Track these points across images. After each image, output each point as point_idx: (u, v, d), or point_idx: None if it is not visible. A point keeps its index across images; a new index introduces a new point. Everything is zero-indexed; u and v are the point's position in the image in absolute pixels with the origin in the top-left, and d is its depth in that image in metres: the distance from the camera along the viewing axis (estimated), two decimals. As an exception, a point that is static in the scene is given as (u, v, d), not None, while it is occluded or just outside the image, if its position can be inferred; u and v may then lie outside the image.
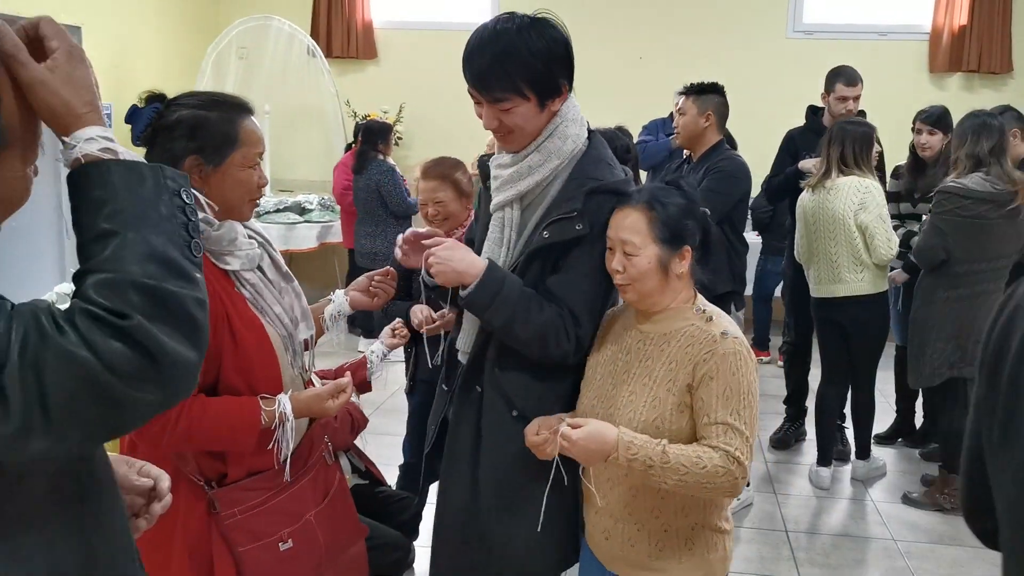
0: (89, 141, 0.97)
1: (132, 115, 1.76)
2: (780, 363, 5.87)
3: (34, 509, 0.97)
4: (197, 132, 1.73)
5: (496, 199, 1.92)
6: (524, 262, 1.87)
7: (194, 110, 1.75)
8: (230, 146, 1.75)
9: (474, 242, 2.05)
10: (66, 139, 0.98)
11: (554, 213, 1.84)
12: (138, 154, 1.08)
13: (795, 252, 4.14)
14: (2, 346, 0.84)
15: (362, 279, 2.21)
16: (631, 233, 1.77)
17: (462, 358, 2.01)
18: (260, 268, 1.85)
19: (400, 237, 2.00)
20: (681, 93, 3.79)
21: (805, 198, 3.98)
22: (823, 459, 4.13)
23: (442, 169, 2.95)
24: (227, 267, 1.77)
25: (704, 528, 1.84)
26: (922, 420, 4.67)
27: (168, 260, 0.94)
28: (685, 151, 4.82)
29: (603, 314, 1.97)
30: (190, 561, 1.75)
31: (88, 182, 0.96)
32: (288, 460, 1.83)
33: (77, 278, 0.93)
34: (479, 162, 2.08)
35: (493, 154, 2.03)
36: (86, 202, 0.96)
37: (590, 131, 1.93)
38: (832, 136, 3.88)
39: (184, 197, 1.00)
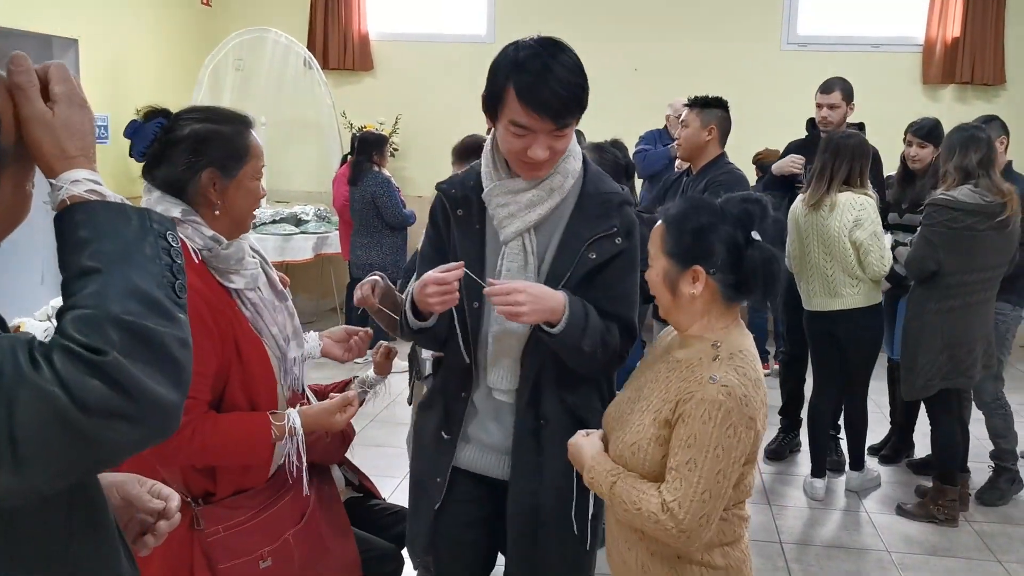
0: (76, 183, 0.98)
1: (134, 131, 1.76)
2: (770, 371, 5.89)
3: (24, 542, 0.97)
4: (212, 145, 1.74)
5: (512, 227, 1.84)
6: (573, 286, 1.83)
7: (205, 124, 1.76)
8: (242, 159, 1.78)
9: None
10: (53, 181, 0.99)
11: (586, 233, 1.82)
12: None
13: (786, 262, 4.14)
14: None
15: (340, 330, 2.23)
16: (651, 243, 1.76)
17: (504, 396, 1.93)
18: (257, 287, 1.86)
19: (433, 288, 1.78)
20: (685, 105, 3.80)
21: (799, 211, 3.97)
22: (817, 470, 4.14)
23: None
24: (232, 285, 1.78)
25: (687, 562, 1.70)
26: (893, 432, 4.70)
27: (151, 299, 0.94)
28: (678, 163, 4.86)
29: None
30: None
31: (74, 222, 0.96)
32: (306, 472, 1.86)
33: (59, 315, 0.93)
34: (440, 190, 1.95)
35: (453, 179, 1.97)
36: (71, 242, 0.96)
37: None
38: (833, 154, 3.82)
39: (170, 240, 1.00)
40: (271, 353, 1.83)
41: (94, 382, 0.86)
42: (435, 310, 1.82)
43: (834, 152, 3.83)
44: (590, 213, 1.84)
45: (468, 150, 3.26)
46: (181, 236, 1.67)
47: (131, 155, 1.77)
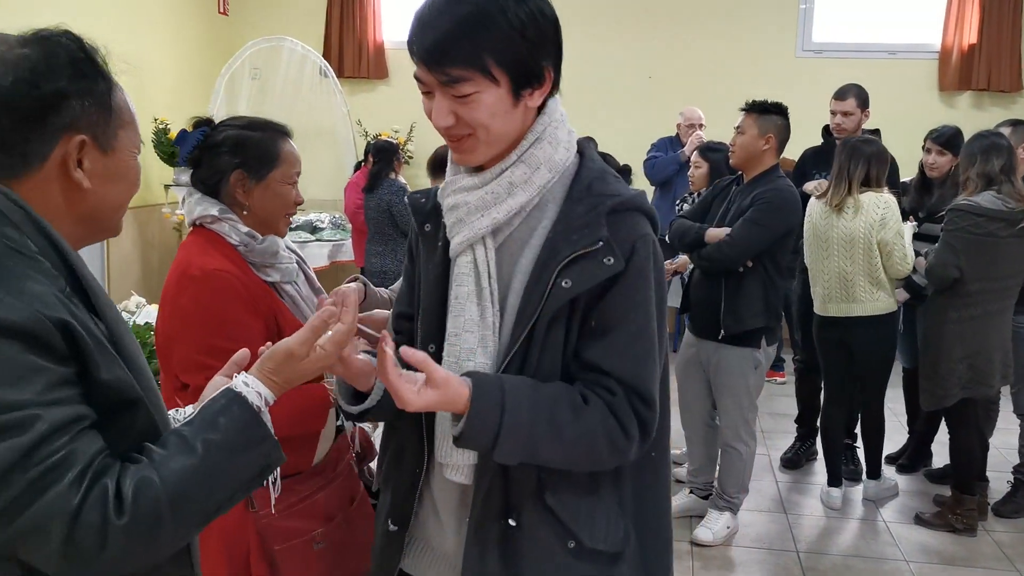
0: (253, 390, 1.16)
1: (181, 138, 1.92)
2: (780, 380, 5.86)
3: None
4: (242, 149, 1.89)
5: (460, 236, 1.36)
6: (544, 329, 1.32)
7: (240, 130, 1.91)
8: (271, 164, 1.90)
9: (410, 316, 1.49)
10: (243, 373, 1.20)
11: (565, 249, 1.30)
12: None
13: (806, 259, 4.09)
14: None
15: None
16: None
17: (457, 476, 1.40)
18: (294, 281, 1.97)
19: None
20: (742, 110, 3.65)
21: (816, 214, 3.92)
22: (833, 479, 4.11)
23: None
24: (268, 279, 1.90)
25: None
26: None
27: (207, 514, 1.08)
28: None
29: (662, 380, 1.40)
30: (227, 558, 1.80)
31: (225, 408, 1.12)
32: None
33: (146, 444, 1.07)
34: (409, 200, 1.52)
35: (430, 189, 1.51)
36: (210, 414, 1.11)
37: (579, 141, 1.43)
38: (848, 156, 3.81)
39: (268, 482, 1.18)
40: None
41: (96, 550, 0.97)
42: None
43: (850, 154, 3.81)
44: (573, 223, 1.33)
45: (441, 162, 2.85)
46: (219, 231, 1.86)
47: (179, 162, 1.93)
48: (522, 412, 1.27)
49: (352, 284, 2.30)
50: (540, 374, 1.33)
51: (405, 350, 1.23)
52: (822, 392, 4.47)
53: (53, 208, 1.10)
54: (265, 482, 1.15)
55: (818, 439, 4.57)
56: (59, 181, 1.10)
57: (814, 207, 3.96)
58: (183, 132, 1.97)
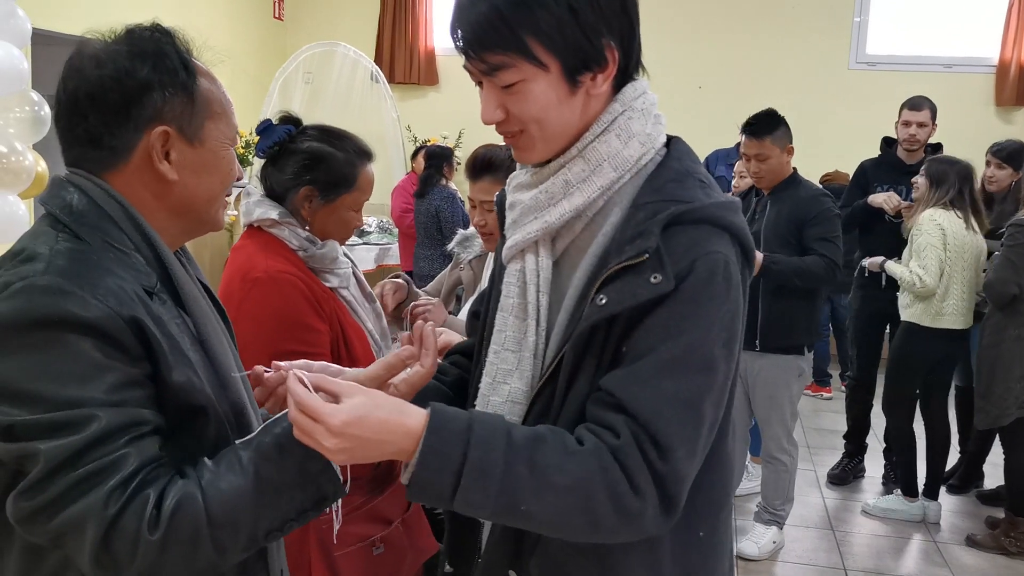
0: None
1: (265, 129, 1.84)
2: (827, 395, 5.78)
3: None
4: (319, 165, 1.81)
5: (512, 239, 1.18)
6: (574, 353, 1.09)
7: (323, 144, 1.83)
8: (345, 188, 1.83)
9: (480, 317, 1.33)
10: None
11: (611, 261, 1.08)
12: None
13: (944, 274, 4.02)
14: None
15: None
16: None
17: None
18: (349, 287, 1.94)
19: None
20: (752, 136, 3.49)
21: (952, 230, 3.80)
22: (930, 492, 4.07)
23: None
24: (328, 284, 1.86)
25: None
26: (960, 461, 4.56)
27: (251, 539, 1.03)
28: (735, 182, 4.73)
29: (710, 441, 1.09)
30: (289, 564, 1.78)
31: (286, 430, 1.03)
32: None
33: (199, 463, 1.03)
34: (497, 199, 1.34)
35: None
36: (273, 441, 1.04)
37: (670, 137, 1.21)
38: (971, 178, 3.86)
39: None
40: (372, 344, 1.91)
41: (126, 557, 0.96)
42: None
43: (971, 176, 3.87)
44: (627, 232, 1.09)
45: (480, 165, 2.28)
46: (278, 235, 1.80)
47: (257, 152, 1.86)
48: (494, 448, 0.99)
49: (397, 280, 2.32)
50: (564, 418, 1.09)
51: (292, 383, 1.01)
52: (873, 409, 4.41)
53: (145, 201, 1.10)
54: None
55: (866, 456, 4.52)
56: (148, 173, 1.10)
57: (947, 221, 3.83)
58: (268, 122, 1.88)
